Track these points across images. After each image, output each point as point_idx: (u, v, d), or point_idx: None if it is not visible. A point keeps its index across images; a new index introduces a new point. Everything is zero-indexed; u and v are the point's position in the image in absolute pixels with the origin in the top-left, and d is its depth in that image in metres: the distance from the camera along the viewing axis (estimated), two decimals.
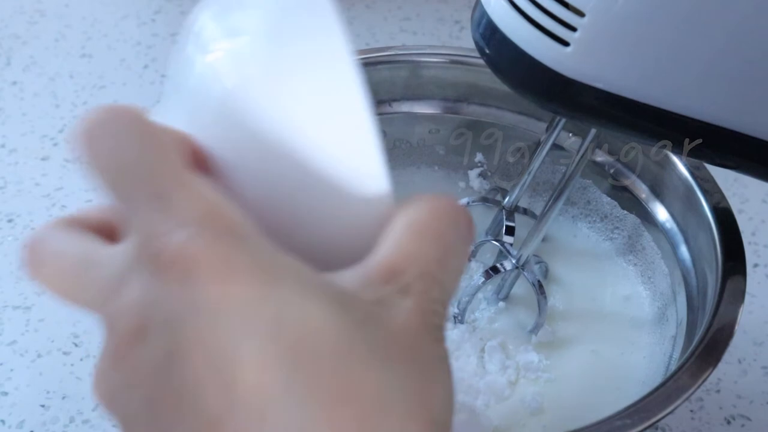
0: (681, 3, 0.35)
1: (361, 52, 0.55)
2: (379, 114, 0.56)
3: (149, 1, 0.76)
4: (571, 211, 0.56)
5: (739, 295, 0.43)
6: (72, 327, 0.55)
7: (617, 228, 0.54)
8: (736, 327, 0.42)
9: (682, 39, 0.35)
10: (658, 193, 0.52)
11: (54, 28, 0.74)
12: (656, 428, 0.49)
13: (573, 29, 0.36)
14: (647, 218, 0.52)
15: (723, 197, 0.48)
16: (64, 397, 0.52)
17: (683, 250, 0.49)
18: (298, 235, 0.25)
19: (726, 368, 0.52)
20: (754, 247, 0.59)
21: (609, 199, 0.54)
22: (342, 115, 0.24)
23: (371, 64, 0.54)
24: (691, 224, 0.49)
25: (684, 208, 0.50)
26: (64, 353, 0.54)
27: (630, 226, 0.53)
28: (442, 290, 0.24)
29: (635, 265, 0.53)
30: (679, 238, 0.50)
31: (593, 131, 0.45)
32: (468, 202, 0.54)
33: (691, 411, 0.51)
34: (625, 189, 0.53)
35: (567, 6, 0.36)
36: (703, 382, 0.40)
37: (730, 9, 0.35)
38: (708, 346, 0.41)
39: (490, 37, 0.39)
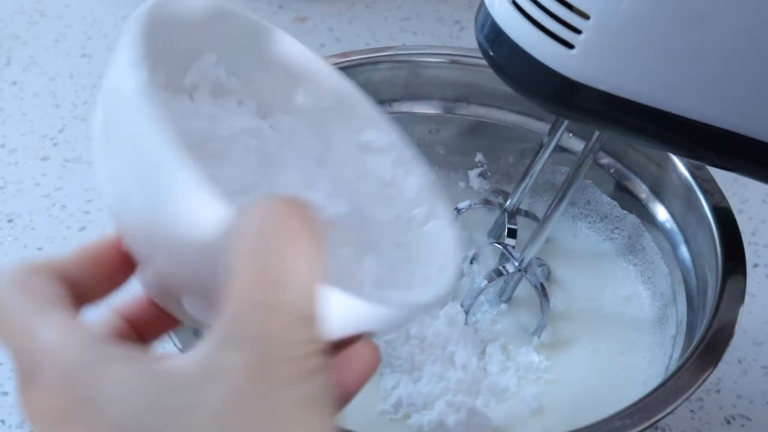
0: (685, 5, 0.35)
1: (361, 52, 0.55)
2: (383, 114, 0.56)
3: (149, 1, 0.76)
4: (572, 211, 0.56)
5: (739, 295, 0.43)
6: None
7: (617, 228, 0.54)
8: (736, 327, 0.42)
9: (686, 41, 0.35)
10: (658, 193, 0.52)
11: (54, 28, 0.74)
12: (656, 428, 0.49)
13: (578, 32, 0.36)
14: (647, 218, 0.52)
15: (723, 197, 0.48)
16: None
17: (683, 250, 0.49)
18: (177, 279, 0.27)
19: (726, 368, 0.52)
20: (754, 247, 0.59)
21: (609, 199, 0.54)
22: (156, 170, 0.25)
23: (371, 64, 0.54)
24: (691, 224, 0.49)
25: (684, 208, 0.50)
26: None
27: (630, 226, 0.53)
28: (287, 313, 0.23)
29: (635, 265, 0.53)
30: (679, 238, 0.50)
31: (597, 134, 0.45)
32: (470, 205, 0.54)
33: (691, 411, 0.51)
34: (626, 189, 0.53)
35: (571, 8, 0.36)
36: (703, 382, 0.40)
37: (733, 12, 0.35)
38: (708, 346, 0.41)
39: (494, 39, 0.39)
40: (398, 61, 0.55)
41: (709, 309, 0.43)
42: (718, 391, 0.52)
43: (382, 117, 0.34)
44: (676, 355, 0.45)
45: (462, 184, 0.58)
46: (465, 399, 0.46)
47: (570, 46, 0.36)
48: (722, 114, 0.37)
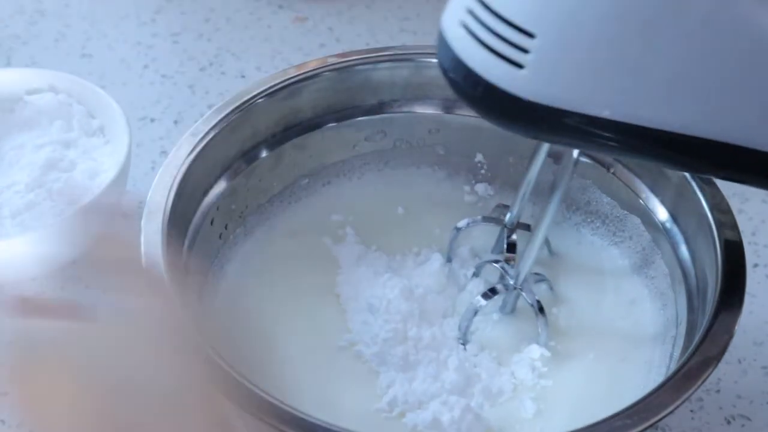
0: (625, 17, 0.35)
1: (361, 52, 0.55)
2: (379, 114, 0.56)
3: (149, 1, 0.76)
4: (574, 218, 0.56)
5: (739, 295, 0.43)
6: None
7: (618, 231, 0.54)
8: (736, 327, 0.42)
9: (631, 51, 0.35)
10: (658, 193, 0.52)
11: (54, 28, 0.74)
12: (656, 428, 0.49)
13: (526, 51, 0.36)
14: (647, 218, 0.52)
15: (723, 198, 0.48)
16: None
17: (683, 250, 0.49)
18: None
19: (726, 368, 0.52)
20: (754, 247, 0.59)
21: (609, 199, 0.54)
22: None
23: (371, 64, 0.54)
24: (691, 224, 0.49)
25: (684, 209, 0.50)
26: None
27: (630, 227, 0.53)
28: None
29: (636, 265, 0.53)
30: (679, 238, 0.50)
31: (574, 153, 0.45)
32: (468, 224, 0.54)
33: (691, 411, 0.51)
34: (626, 189, 0.53)
35: (517, 28, 0.36)
36: (703, 382, 0.40)
37: (680, 20, 0.35)
38: (708, 346, 0.41)
39: (450, 60, 0.39)
40: (398, 61, 0.55)
41: (709, 309, 0.43)
42: (718, 391, 0.52)
43: None
44: (676, 354, 0.45)
45: (467, 188, 0.58)
46: (459, 399, 0.46)
47: (519, 66, 0.36)
48: (681, 120, 0.37)
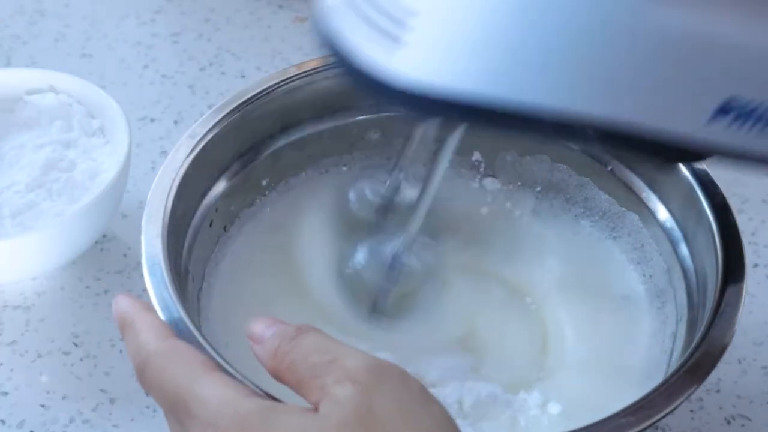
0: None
1: None
2: (377, 114, 0.56)
3: (149, 1, 0.76)
4: (573, 210, 0.56)
5: (739, 295, 0.43)
6: (72, 327, 0.55)
7: (616, 226, 0.54)
8: (736, 327, 0.42)
9: (527, 32, 0.34)
10: (656, 191, 0.52)
11: (54, 28, 0.74)
12: (656, 428, 0.49)
13: (408, 30, 0.34)
14: (646, 215, 0.52)
15: (722, 196, 0.47)
16: (64, 397, 0.52)
17: (683, 248, 0.49)
18: None
19: (726, 368, 0.52)
20: (754, 247, 0.59)
21: (607, 196, 0.54)
22: None
23: None
24: (691, 222, 0.49)
25: (683, 206, 0.50)
26: (64, 353, 0.54)
27: (628, 224, 0.53)
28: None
29: (634, 262, 0.53)
30: (678, 235, 0.50)
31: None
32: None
33: (691, 411, 0.51)
34: (624, 186, 0.53)
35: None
36: (703, 382, 0.40)
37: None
38: (708, 346, 0.41)
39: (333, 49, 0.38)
40: None
41: (710, 308, 0.43)
42: (718, 391, 0.52)
43: None
44: (677, 352, 0.45)
45: (475, 185, 0.58)
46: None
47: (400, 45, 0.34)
48: (589, 102, 0.36)
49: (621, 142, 0.37)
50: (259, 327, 0.36)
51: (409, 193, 0.50)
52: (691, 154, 0.39)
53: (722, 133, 0.37)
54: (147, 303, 0.40)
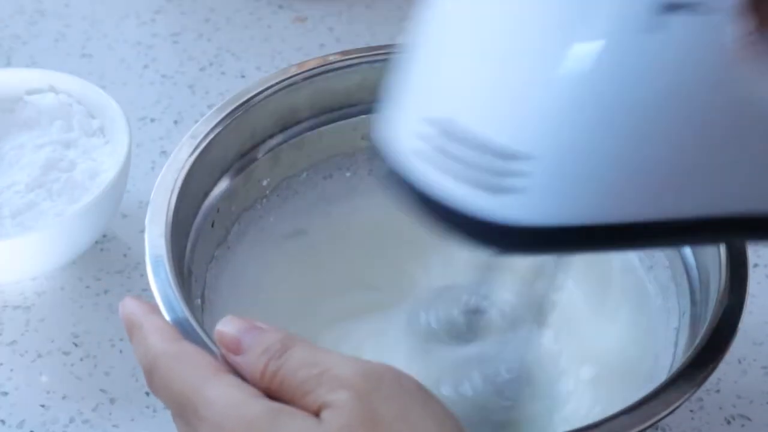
0: (635, 116, 0.31)
1: (361, 51, 0.55)
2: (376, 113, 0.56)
3: (149, 1, 0.76)
4: None
5: (742, 297, 0.43)
6: (72, 327, 0.55)
7: None
8: (738, 329, 0.42)
9: (643, 151, 0.32)
10: None
11: (54, 28, 0.74)
12: (656, 428, 0.49)
13: (521, 175, 0.31)
14: None
15: None
16: (64, 397, 0.52)
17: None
18: None
19: (726, 368, 0.52)
20: (754, 247, 0.59)
21: None
22: None
23: (371, 64, 0.54)
24: None
25: None
26: (64, 353, 0.54)
27: None
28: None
29: (640, 260, 0.53)
30: None
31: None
32: None
33: (691, 411, 0.51)
34: None
35: (508, 153, 0.31)
36: (703, 382, 0.40)
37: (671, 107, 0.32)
38: (709, 347, 0.41)
39: (412, 195, 0.34)
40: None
41: (712, 305, 0.43)
42: (718, 391, 0.52)
43: None
44: (681, 348, 0.45)
45: None
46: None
47: (513, 191, 0.32)
48: (702, 204, 0.34)
49: (733, 228, 0.36)
50: (231, 330, 0.35)
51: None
52: None
53: None
54: (154, 305, 0.39)
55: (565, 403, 0.48)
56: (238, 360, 0.35)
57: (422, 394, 0.33)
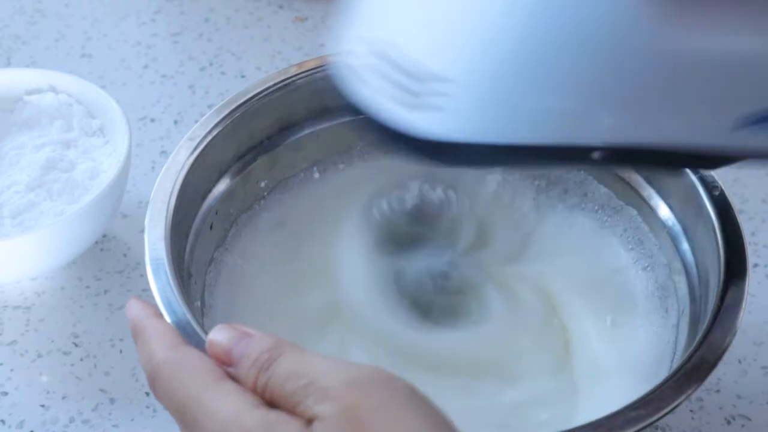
0: (545, 42, 0.34)
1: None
2: None
3: (149, 1, 0.76)
4: (569, 200, 0.56)
5: (741, 296, 0.43)
6: (72, 327, 0.55)
7: (615, 219, 0.54)
8: (737, 328, 0.42)
9: (552, 74, 0.35)
10: (656, 187, 0.52)
11: (54, 28, 0.74)
12: (656, 428, 0.49)
13: (442, 95, 0.35)
14: (645, 210, 0.52)
15: (723, 192, 0.47)
16: (64, 397, 0.52)
17: (683, 243, 0.49)
18: None
19: (726, 368, 0.52)
20: (753, 247, 0.59)
21: (606, 189, 0.54)
22: None
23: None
24: (691, 217, 0.49)
25: (683, 202, 0.49)
26: (64, 353, 0.54)
27: (627, 218, 0.53)
28: None
29: (633, 254, 0.53)
30: (678, 230, 0.50)
31: None
32: None
33: (691, 411, 0.51)
34: (624, 182, 0.53)
35: (431, 75, 0.35)
36: (703, 382, 0.40)
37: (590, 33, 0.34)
38: (708, 347, 0.41)
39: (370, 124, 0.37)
40: None
41: (712, 303, 0.43)
42: (718, 391, 0.52)
43: None
44: (681, 345, 0.45)
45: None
46: None
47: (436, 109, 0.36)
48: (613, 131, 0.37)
49: (636, 158, 0.39)
50: (221, 339, 0.36)
51: (436, 200, 0.52)
52: (707, 160, 0.40)
53: (747, 139, 0.38)
54: (156, 308, 0.40)
55: (566, 400, 0.48)
56: (231, 372, 0.35)
57: (413, 398, 0.33)
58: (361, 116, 0.37)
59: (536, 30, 0.34)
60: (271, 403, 0.34)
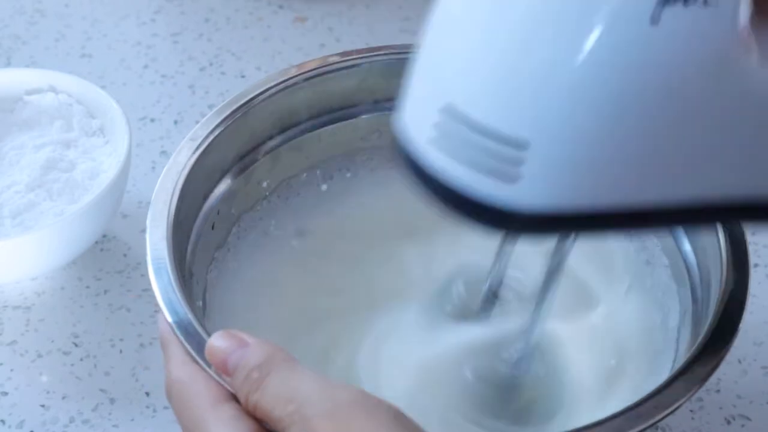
0: (631, 105, 0.32)
1: (361, 51, 0.55)
2: (374, 113, 0.56)
3: (149, 1, 0.76)
4: None
5: (743, 297, 0.43)
6: (72, 327, 0.55)
7: None
8: (739, 329, 0.42)
9: (638, 139, 0.33)
10: None
11: (54, 28, 0.74)
12: (656, 428, 0.49)
13: (518, 163, 0.32)
14: None
15: None
16: (64, 397, 0.52)
17: (685, 242, 0.49)
18: None
19: (726, 368, 0.52)
20: (754, 247, 0.59)
21: None
22: None
23: (371, 64, 0.54)
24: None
25: None
26: (64, 353, 0.54)
27: None
28: None
29: (634, 253, 0.53)
30: (680, 230, 0.50)
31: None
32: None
33: (691, 411, 0.51)
34: None
35: (507, 139, 0.32)
36: (704, 382, 0.40)
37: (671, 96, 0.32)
38: (710, 347, 0.41)
39: (423, 177, 0.34)
40: (398, 61, 0.55)
41: (714, 303, 0.43)
42: (718, 391, 0.52)
43: None
44: (682, 346, 0.45)
45: None
46: None
47: (512, 179, 0.33)
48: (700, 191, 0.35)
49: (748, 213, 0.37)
50: (220, 345, 0.37)
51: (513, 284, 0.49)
52: None
53: None
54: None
55: (570, 399, 0.48)
56: (229, 381, 0.37)
57: (397, 424, 0.33)
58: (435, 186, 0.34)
59: (614, 86, 0.32)
60: (263, 421, 0.35)
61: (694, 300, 0.47)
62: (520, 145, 0.32)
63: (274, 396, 0.34)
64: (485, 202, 0.33)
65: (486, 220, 0.34)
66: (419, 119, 0.35)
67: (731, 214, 0.37)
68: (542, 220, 0.33)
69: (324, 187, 0.56)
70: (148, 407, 0.51)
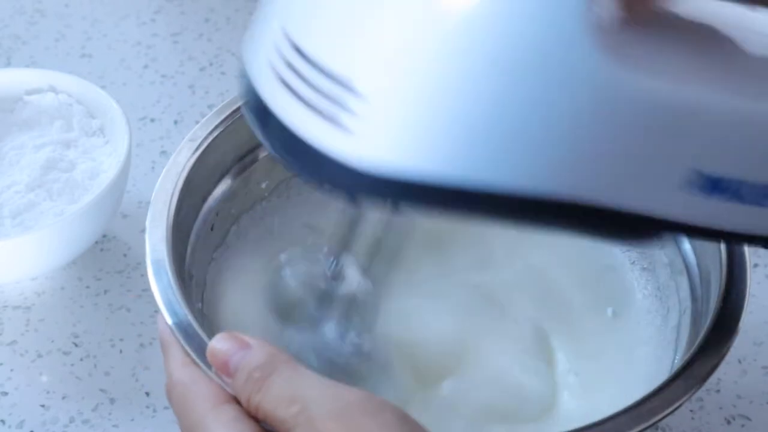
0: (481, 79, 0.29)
1: None
2: None
3: (149, 1, 0.76)
4: None
5: (743, 297, 0.43)
6: (72, 327, 0.55)
7: None
8: (739, 329, 0.42)
9: (487, 106, 0.30)
10: None
11: (54, 28, 0.74)
12: (656, 428, 0.49)
13: (352, 113, 0.30)
14: None
15: None
16: (64, 397, 0.52)
17: (684, 241, 0.49)
18: None
19: (726, 368, 0.52)
20: (754, 247, 0.59)
21: None
22: None
23: None
24: None
25: None
26: (64, 353, 0.54)
27: None
28: None
29: (634, 254, 0.53)
30: None
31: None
32: None
33: (691, 411, 0.51)
34: None
35: (347, 87, 0.30)
36: (704, 382, 0.40)
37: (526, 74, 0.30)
38: (710, 347, 0.41)
39: (261, 115, 0.32)
40: None
41: (714, 303, 0.43)
42: (718, 391, 0.52)
43: None
44: (682, 346, 0.45)
45: None
46: None
47: (345, 130, 0.30)
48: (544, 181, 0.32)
49: (587, 220, 0.34)
50: (222, 347, 0.37)
51: (351, 281, 0.47)
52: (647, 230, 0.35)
53: (695, 207, 0.34)
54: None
55: (564, 402, 0.48)
56: (229, 383, 0.36)
57: (402, 426, 0.33)
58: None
59: (464, 52, 0.29)
60: (264, 422, 0.35)
61: (694, 299, 0.47)
62: (349, 87, 0.30)
63: (277, 397, 0.34)
64: (322, 150, 0.31)
65: (325, 174, 0.31)
66: (260, 46, 0.32)
67: (581, 218, 0.34)
68: (380, 182, 0.31)
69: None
70: (148, 407, 0.51)
